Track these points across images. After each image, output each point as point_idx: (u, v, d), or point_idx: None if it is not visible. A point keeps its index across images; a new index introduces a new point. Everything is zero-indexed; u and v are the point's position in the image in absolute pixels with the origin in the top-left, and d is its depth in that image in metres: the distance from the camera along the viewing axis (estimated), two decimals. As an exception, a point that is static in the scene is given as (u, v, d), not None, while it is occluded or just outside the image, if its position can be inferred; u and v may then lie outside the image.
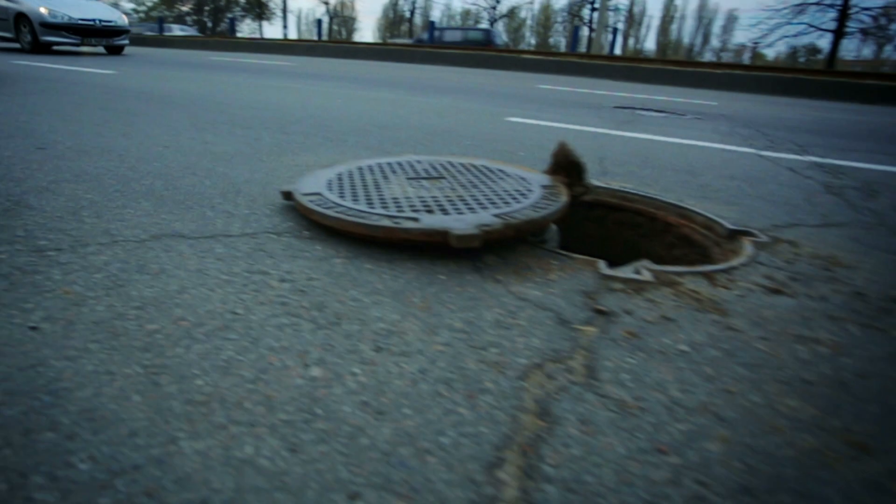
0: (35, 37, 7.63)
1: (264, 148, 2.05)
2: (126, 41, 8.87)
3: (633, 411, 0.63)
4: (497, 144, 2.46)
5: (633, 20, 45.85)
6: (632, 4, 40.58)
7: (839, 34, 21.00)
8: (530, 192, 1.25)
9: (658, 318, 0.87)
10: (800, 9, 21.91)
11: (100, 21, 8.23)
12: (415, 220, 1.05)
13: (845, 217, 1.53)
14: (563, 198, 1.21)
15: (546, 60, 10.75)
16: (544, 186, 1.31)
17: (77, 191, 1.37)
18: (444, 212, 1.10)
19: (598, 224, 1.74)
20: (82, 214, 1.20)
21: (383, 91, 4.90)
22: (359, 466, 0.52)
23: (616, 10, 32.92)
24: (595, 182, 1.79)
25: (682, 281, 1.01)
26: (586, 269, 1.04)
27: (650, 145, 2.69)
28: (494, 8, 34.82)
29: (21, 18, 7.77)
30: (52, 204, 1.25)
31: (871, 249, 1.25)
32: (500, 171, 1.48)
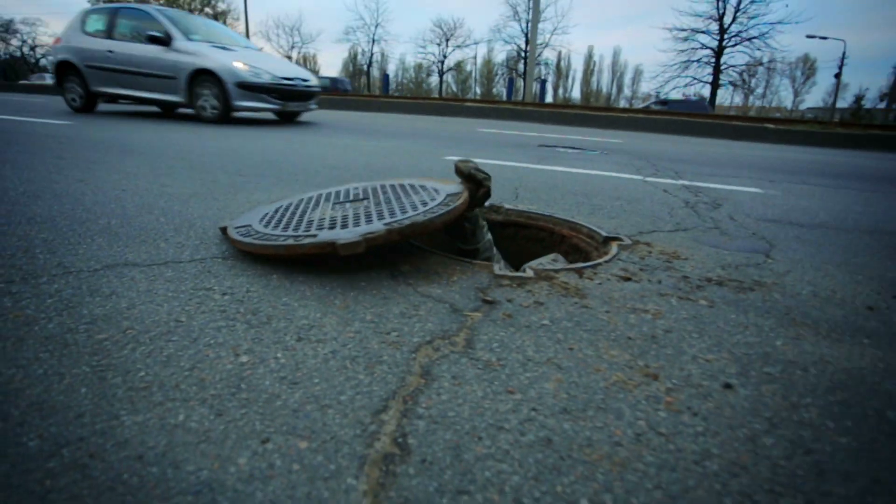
0: (227, 101, 5.33)
1: (220, 188, 2.10)
2: (315, 105, 6.72)
3: (494, 367, 0.76)
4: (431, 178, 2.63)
5: (561, 73, 49.42)
6: (559, 59, 43.83)
7: (715, 85, 23.83)
8: (434, 200, 1.32)
9: (532, 303, 1.01)
10: (685, 65, 24.68)
11: (301, 81, 5.97)
12: (314, 236, 1.12)
13: (692, 223, 1.79)
14: (458, 203, 1.26)
15: (487, 107, 11.36)
16: (450, 195, 1.36)
17: (30, 232, 1.37)
18: (345, 226, 1.17)
19: (510, 240, 1.92)
20: (35, 252, 1.22)
21: (339, 136, 5.03)
22: (272, 421, 0.61)
23: (546, 64, 35.36)
24: (507, 206, 1.98)
25: (557, 276, 1.18)
26: (483, 271, 1.19)
27: (560, 176, 2.96)
28: (442, 62, 36.46)
29: (201, 77, 5.37)
30: (3, 244, 1.26)
31: (703, 245, 1.49)
32: (421, 186, 1.56)
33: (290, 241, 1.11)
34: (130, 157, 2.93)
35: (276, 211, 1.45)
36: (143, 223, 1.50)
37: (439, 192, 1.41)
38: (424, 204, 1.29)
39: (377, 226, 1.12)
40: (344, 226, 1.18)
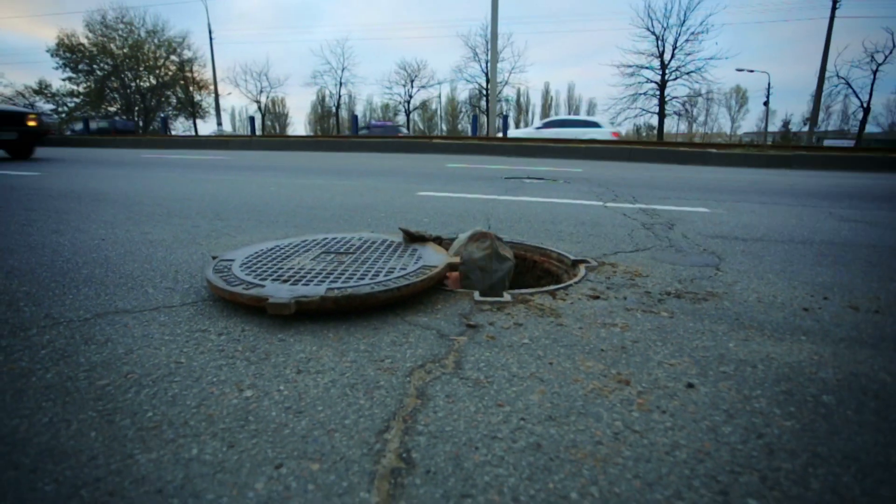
0: None
1: (201, 233, 2.11)
2: None
3: (483, 385, 0.81)
4: (408, 215, 2.72)
5: (521, 108, 52.01)
6: (518, 96, 46.25)
7: (661, 115, 25.68)
8: (403, 269, 1.27)
9: (512, 324, 1.08)
10: (634, 98, 26.53)
11: None
12: (261, 286, 1.14)
13: (650, 243, 1.93)
14: (416, 280, 1.20)
15: (453, 143, 11.73)
16: (425, 266, 1.30)
17: (10, 286, 1.34)
18: (297, 282, 1.17)
19: (485, 268, 2.00)
20: (19, 305, 1.20)
21: (313, 178, 5.09)
22: (282, 448, 0.64)
23: (507, 100, 37.14)
24: (481, 236, 2.08)
25: (532, 298, 1.26)
26: (465, 298, 1.26)
27: (528, 205, 3.12)
28: (409, 101, 37.62)
29: None
30: (-9, 298, 1.24)
31: (661, 263, 1.62)
32: (413, 249, 1.49)
33: (240, 289, 1.13)
34: (105, 205, 2.88)
35: (261, 252, 1.48)
36: (128, 271, 1.50)
37: (418, 262, 1.34)
38: (391, 272, 1.25)
39: (317, 290, 1.11)
40: (297, 282, 1.18)
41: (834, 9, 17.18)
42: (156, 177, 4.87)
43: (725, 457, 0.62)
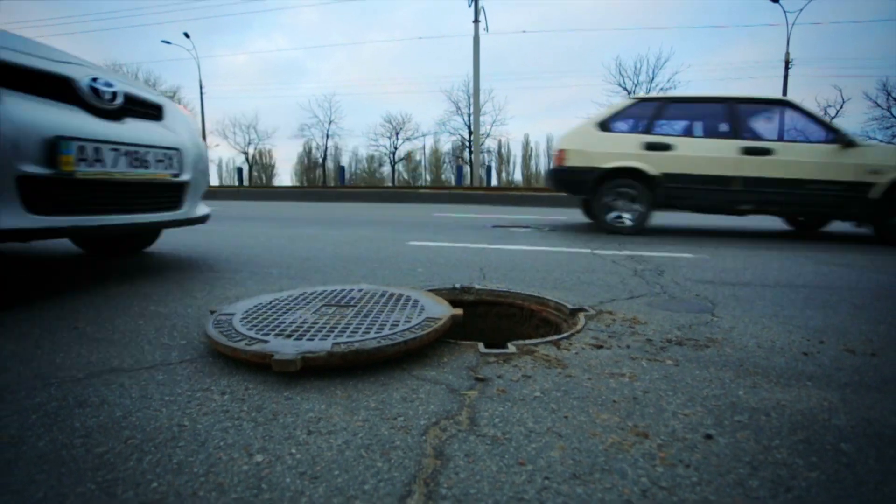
0: None
1: (194, 286, 2.07)
2: None
3: (501, 442, 0.80)
4: (400, 264, 2.73)
5: (503, 158, 54.30)
6: (500, 147, 48.46)
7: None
8: (408, 322, 1.25)
9: (520, 377, 1.08)
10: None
11: None
12: (264, 342, 1.12)
13: (644, 290, 1.98)
14: (422, 333, 1.18)
15: (439, 193, 12.05)
16: (429, 319, 1.28)
17: (-2, 344, 1.29)
18: (301, 337, 1.15)
19: (483, 318, 2.00)
20: (6, 364, 1.14)
21: (303, 227, 5.12)
22: (300, 519, 0.61)
23: (489, 151, 38.84)
24: (477, 286, 2.10)
25: (537, 349, 1.26)
26: (469, 350, 1.25)
27: (519, 254, 3.18)
28: (394, 153, 38.96)
29: None
30: (-26, 359, 1.18)
31: (658, 310, 1.65)
32: (415, 301, 1.47)
33: (242, 344, 1.11)
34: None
35: (261, 305, 1.46)
36: (120, 326, 1.45)
37: (422, 313, 1.33)
38: (395, 325, 1.24)
39: (323, 344, 1.09)
40: (301, 336, 1.16)
41: (787, 69, 19.01)
42: (144, 228, 4.81)
43: (757, 513, 0.61)
